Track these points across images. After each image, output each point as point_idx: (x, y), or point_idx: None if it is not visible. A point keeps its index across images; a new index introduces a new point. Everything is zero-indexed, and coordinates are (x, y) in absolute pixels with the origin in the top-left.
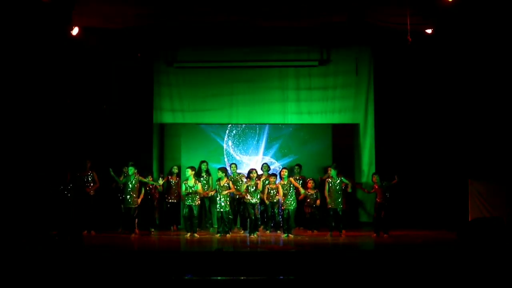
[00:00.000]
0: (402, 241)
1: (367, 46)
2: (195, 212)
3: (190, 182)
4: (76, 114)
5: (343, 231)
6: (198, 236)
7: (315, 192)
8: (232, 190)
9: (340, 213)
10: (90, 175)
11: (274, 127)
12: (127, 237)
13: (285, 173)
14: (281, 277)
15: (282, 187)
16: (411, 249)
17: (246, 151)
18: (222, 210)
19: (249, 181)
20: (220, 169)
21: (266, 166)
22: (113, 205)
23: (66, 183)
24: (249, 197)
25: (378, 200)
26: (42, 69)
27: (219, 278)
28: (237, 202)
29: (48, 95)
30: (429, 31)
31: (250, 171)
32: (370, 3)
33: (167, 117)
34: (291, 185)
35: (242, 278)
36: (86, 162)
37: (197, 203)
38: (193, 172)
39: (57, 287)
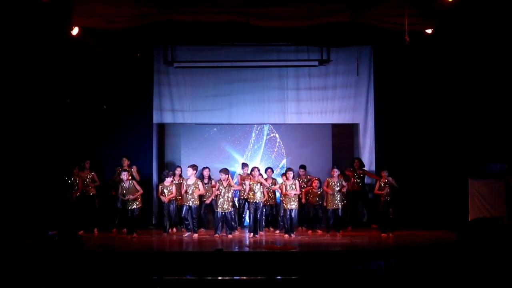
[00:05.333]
0: (402, 241)
1: (367, 46)
2: (194, 212)
3: (190, 181)
4: (76, 114)
5: (341, 231)
6: (197, 236)
7: (320, 192)
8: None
9: (339, 213)
10: (91, 175)
11: (274, 127)
12: (127, 237)
13: (290, 175)
14: (281, 277)
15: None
16: (411, 249)
17: (245, 151)
18: (224, 211)
19: (252, 180)
20: (222, 170)
21: (270, 170)
22: (113, 205)
23: (71, 181)
24: (251, 196)
25: (384, 198)
26: (42, 69)
27: (219, 278)
28: (240, 202)
29: (48, 95)
30: (429, 31)
31: (252, 169)
32: (370, 3)
33: (167, 117)
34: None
35: (242, 278)
36: (85, 162)
37: (196, 203)
38: (195, 171)
39: (57, 287)
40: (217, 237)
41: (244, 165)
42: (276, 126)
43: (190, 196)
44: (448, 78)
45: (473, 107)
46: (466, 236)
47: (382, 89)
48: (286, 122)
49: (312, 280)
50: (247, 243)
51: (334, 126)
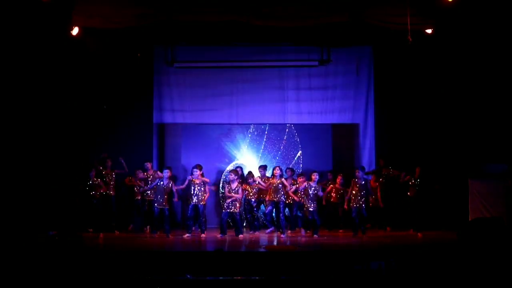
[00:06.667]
0: (402, 241)
1: (368, 46)
2: (200, 211)
3: (197, 181)
4: (76, 114)
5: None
6: (205, 236)
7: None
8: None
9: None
10: (111, 174)
11: (274, 127)
12: (127, 237)
13: (316, 176)
14: (282, 277)
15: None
16: (411, 249)
17: (245, 151)
18: (232, 211)
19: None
20: (232, 171)
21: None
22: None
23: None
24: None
25: (410, 194)
26: (42, 69)
27: (219, 278)
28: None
29: (49, 95)
30: (429, 31)
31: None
32: (370, 3)
33: (167, 117)
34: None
35: (242, 278)
36: (107, 160)
37: (203, 202)
38: (201, 171)
39: (57, 287)
40: (218, 237)
41: (263, 166)
42: (276, 126)
43: (196, 196)
44: (448, 78)
45: (473, 107)
46: (466, 236)
47: (382, 89)
48: (286, 122)
49: (312, 280)
50: (248, 243)
51: (334, 126)
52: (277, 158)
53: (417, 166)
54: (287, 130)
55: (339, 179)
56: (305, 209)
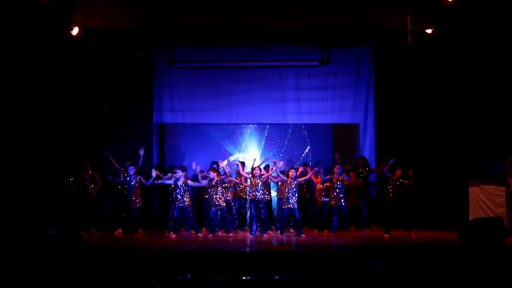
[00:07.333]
0: (402, 241)
1: (368, 46)
2: (188, 213)
3: (180, 182)
4: (76, 114)
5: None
6: (201, 235)
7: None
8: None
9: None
10: (91, 175)
11: (274, 127)
12: (127, 237)
13: (293, 173)
14: (281, 277)
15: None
16: (411, 249)
17: (245, 151)
18: (221, 206)
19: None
20: (211, 169)
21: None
22: (115, 204)
23: (70, 182)
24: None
25: (392, 196)
26: (42, 69)
27: (219, 278)
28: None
29: (48, 95)
30: (429, 31)
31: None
32: (370, 3)
33: (167, 117)
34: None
35: (242, 278)
36: (86, 162)
37: (188, 203)
38: (184, 172)
39: (57, 287)
40: (210, 236)
41: (241, 163)
42: (276, 126)
43: (181, 197)
44: (448, 78)
45: (473, 107)
46: (466, 236)
47: (382, 89)
48: (286, 122)
49: (312, 280)
50: (248, 243)
51: (334, 126)
52: (281, 155)
53: (410, 169)
54: (291, 125)
55: (319, 178)
56: (284, 206)
